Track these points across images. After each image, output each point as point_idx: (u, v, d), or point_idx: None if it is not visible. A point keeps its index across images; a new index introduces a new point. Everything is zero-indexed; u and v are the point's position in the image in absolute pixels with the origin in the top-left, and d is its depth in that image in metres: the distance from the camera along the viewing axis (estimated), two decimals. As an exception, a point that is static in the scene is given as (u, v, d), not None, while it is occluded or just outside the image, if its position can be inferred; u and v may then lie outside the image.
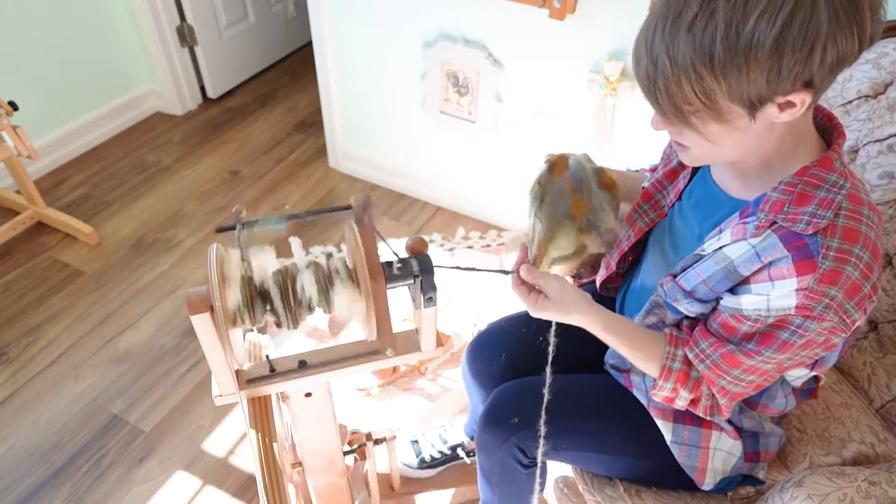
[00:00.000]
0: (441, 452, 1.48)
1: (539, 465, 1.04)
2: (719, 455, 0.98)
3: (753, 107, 0.67)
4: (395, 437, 1.30)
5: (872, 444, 1.07)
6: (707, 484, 0.99)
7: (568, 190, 0.91)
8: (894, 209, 1.12)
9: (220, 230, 0.76)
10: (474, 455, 1.48)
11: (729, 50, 0.62)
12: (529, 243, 0.92)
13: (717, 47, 0.62)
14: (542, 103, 1.89)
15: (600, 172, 0.95)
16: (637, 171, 1.12)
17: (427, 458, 1.48)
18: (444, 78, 1.99)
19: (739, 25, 0.61)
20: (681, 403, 0.90)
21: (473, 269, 0.93)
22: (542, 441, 0.98)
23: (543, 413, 0.96)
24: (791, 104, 0.66)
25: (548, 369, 0.95)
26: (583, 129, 1.86)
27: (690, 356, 0.87)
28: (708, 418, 0.91)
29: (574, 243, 0.91)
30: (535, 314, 0.90)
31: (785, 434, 1.04)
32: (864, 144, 1.17)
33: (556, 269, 0.94)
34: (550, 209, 0.90)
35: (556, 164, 0.93)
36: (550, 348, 0.94)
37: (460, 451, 1.47)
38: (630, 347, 0.90)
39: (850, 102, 1.21)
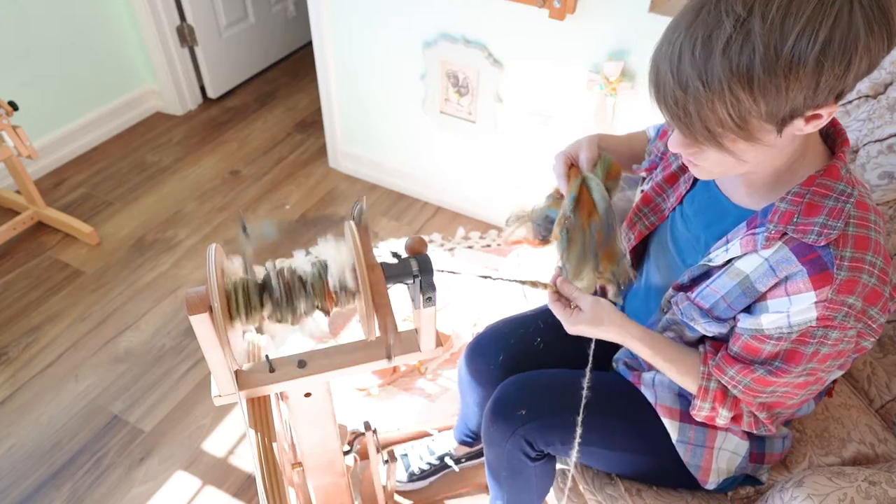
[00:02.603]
0: (429, 464, 1.48)
1: (564, 461, 1.04)
2: (724, 455, 0.98)
3: (784, 123, 0.65)
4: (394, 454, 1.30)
5: (872, 445, 1.07)
6: (711, 483, 0.99)
7: (599, 242, 0.91)
8: (894, 209, 1.12)
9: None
10: (463, 461, 1.49)
11: (768, 71, 0.60)
12: (562, 267, 0.93)
13: (757, 69, 0.60)
14: (542, 103, 1.89)
15: (609, 166, 0.95)
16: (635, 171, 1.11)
17: (416, 471, 1.48)
18: (444, 78, 1.99)
19: (778, 45, 0.59)
20: (722, 421, 0.90)
21: (513, 281, 0.94)
22: (577, 441, 0.97)
23: (581, 413, 0.96)
24: (818, 116, 0.66)
25: (589, 368, 0.94)
26: (583, 129, 1.86)
27: (723, 382, 0.86)
28: (755, 432, 0.91)
29: (592, 286, 0.93)
30: (571, 330, 0.91)
31: (791, 435, 1.04)
32: (864, 144, 1.17)
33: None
34: (579, 256, 0.91)
35: (581, 200, 0.91)
36: (591, 346, 0.93)
37: (448, 460, 1.48)
38: (666, 362, 0.89)
39: (850, 102, 1.21)
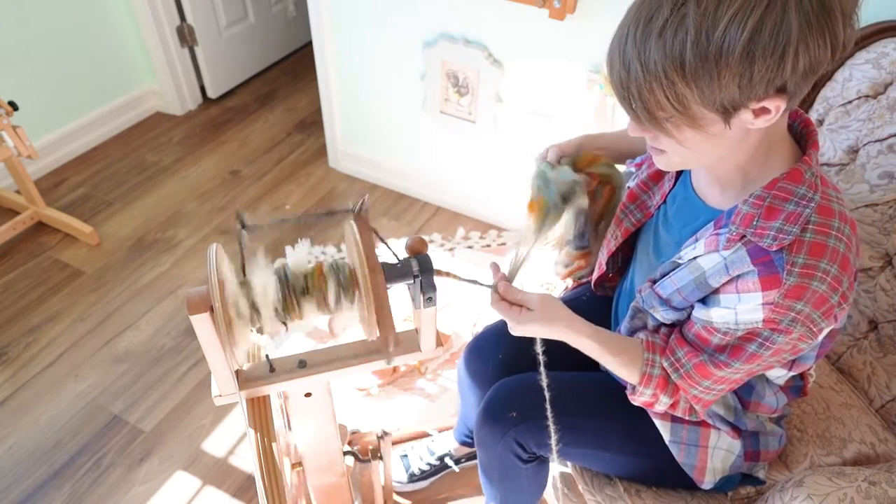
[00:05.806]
0: (429, 464, 1.49)
1: (552, 461, 1.04)
2: (718, 454, 0.98)
3: (727, 113, 0.66)
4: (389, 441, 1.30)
5: (873, 444, 1.07)
6: (707, 483, 0.99)
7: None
8: (894, 209, 1.12)
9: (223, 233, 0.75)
10: (463, 461, 1.49)
11: (699, 56, 0.62)
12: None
13: (688, 53, 0.62)
14: (542, 103, 1.89)
15: (576, 160, 0.96)
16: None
17: (416, 472, 1.49)
18: (444, 78, 1.99)
19: (709, 31, 0.60)
20: (660, 408, 0.91)
21: (455, 278, 0.89)
22: (553, 440, 0.98)
23: (549, 413, 0.96)
24: (766, 110, 0.66)
25: (542, 369, 0.94)
26: (583, 129, 1.86)
27: (666, 365, 0.87)
28: (687, 417, 0.93)
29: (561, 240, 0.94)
30: (517, 331, 0.88)
31: (786, 434, 1.04)
32: (864, 144, 1.17)
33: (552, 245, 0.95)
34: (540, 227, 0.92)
35: (534, 207, 0.94)
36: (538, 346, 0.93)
37: (448, 461, 1.48)
38: (612, 355, 0.89)
39: (850, 102, 1.21)
